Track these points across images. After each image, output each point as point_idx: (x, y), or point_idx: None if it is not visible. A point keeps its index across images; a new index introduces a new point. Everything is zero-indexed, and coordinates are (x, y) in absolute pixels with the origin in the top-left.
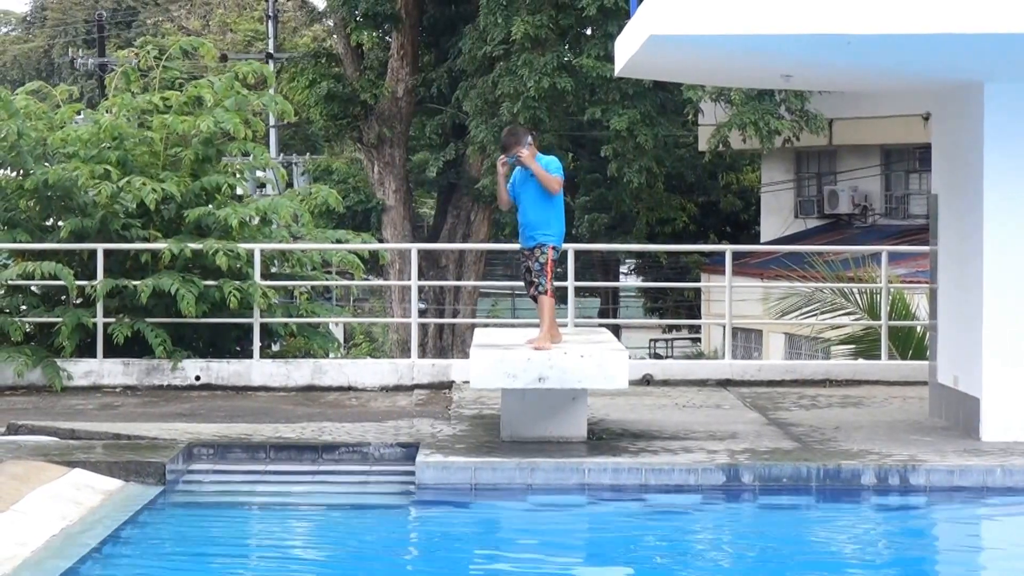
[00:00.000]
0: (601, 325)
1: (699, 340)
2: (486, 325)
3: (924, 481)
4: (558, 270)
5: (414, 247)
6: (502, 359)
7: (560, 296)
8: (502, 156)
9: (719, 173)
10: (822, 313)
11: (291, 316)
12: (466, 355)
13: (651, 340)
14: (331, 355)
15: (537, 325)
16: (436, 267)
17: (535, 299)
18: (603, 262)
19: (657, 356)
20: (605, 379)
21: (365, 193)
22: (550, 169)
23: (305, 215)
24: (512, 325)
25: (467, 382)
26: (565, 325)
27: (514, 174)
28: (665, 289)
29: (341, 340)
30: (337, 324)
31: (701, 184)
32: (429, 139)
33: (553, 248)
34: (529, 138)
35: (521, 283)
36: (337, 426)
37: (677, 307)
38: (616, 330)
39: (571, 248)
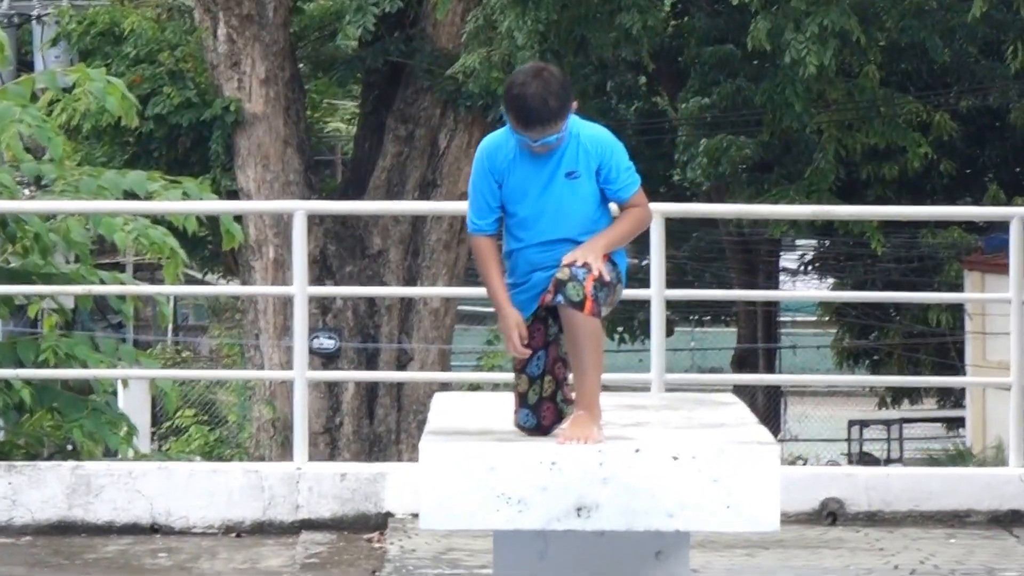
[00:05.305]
0: (735, 387)
1: (960, 422)
2: (471, 388)
3: None
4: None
5: (301, 207)
6: (494, 465)
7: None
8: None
9: (1005, 44)
10: None
11: (24, 364)
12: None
13: (850, 422)
14: (118, 452)
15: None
16: (360, 254)
17: (549, 332)
18: (743, 246)
19: (864, 458)
20: (729, 511)
21: (199, 87)
22: (621, 166)
23: (56, 139)
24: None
25: (417, 515)
26: (648, 389)
27: (504, 159)
28: (884, 306)
29: (142, 418)
30: (127, 385)
31: (964, 69)
32: None
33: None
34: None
35: None
36: None
37: (910, 347)
38: (774, 398)
39: (661, 212)
